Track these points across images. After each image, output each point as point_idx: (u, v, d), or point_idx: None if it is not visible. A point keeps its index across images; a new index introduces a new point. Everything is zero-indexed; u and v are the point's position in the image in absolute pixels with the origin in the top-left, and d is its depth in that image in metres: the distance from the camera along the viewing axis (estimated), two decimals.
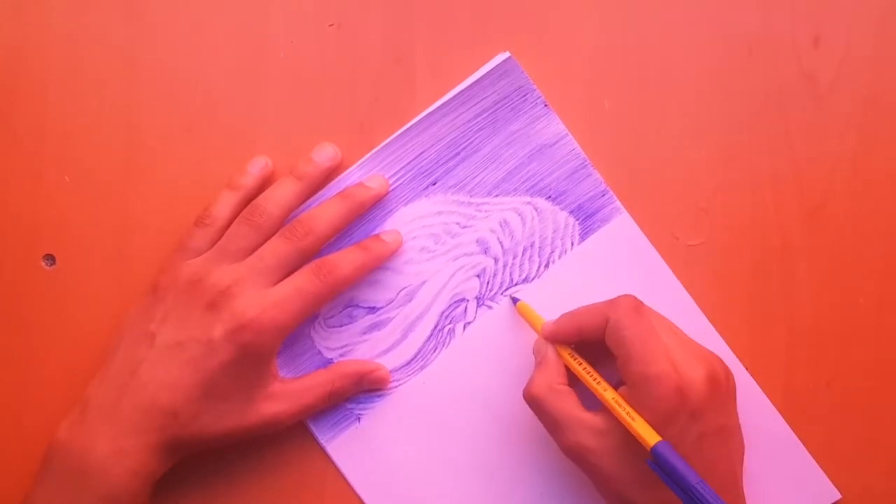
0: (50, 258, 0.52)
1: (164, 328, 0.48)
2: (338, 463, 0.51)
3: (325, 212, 0.49)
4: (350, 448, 0.51)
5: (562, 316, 0.49)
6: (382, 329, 0.51)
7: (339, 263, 0.49)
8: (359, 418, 0.51)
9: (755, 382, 0.50)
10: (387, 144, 0.51)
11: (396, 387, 0.51)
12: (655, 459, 0.42)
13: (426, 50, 0.51)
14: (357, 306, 0.51)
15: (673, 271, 0.51)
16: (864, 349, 0.50)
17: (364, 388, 0.51)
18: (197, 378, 0.47)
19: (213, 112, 0.51)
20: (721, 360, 0.47)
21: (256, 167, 0.51)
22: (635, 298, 0.47)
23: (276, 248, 0.48)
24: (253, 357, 0.47)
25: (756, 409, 0.50)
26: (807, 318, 0.51)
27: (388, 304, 0.51)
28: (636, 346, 0.44)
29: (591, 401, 0.46)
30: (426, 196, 0.51)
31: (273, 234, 0.49)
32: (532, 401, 0.47)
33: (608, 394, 0.45)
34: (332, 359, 0.51)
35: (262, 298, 0.47)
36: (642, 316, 0.46)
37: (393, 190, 0.51)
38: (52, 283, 0.52)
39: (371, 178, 0.51)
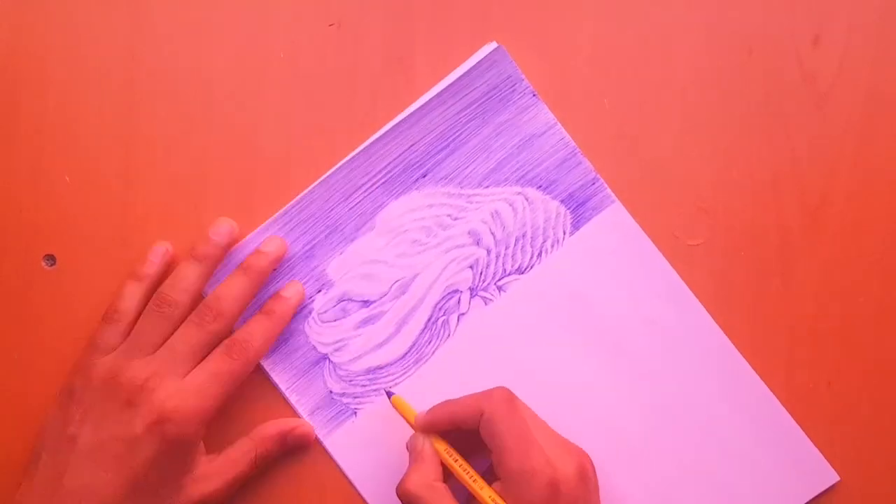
0: (50, 258, 0.52)
1: (84, 430, 0.47)
2: (335, 457, 0.51)
3: (229, 291, 0.49)
4: (348, 442, 0.51)
5: (435, 406, 0.49)
6: (376, 322, 0.51)
7: (249, 338, 0.49)
8: (355, 412, 0.51)
9: (753, 370, 0.50)
10: (377, 139, 0.51)
11: (397, 384, 0.51)
12: None
13: (426, 49, 0.51)
14: (350, 300, 0.51)
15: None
16: (865, 349, 0.50)
17: (289, 447, 0.51)
18: (123, 477, 0.46)
19: (213, 112, 0.51)
20: (586, 454, 0.47)
21: (158, 255, 0.51)
22: (509, 391, 0.47)
23: (188, 336, 0.48)
24: (178, 448, 0.47)
25: (755, 396, 0.50)
26: (807, 319, 0.51)
27: (381, 298, 0.51)
28: (511, 440, 0.45)
29: (465, 494, 0.47)
30: (417, 189, 0.51)
31: (183, 320, 0.49)
32: (408, 498, 0.47)
33: (485, 492, 0.46)
34: (326, 354, 0.51)
35: (180, 388, 0.47)
36: (516, 410, 0.46)
37: (384, 183, 0.51)
38: (52, 283, 0.52)
39: (267, 241, 0.51)
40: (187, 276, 0.49)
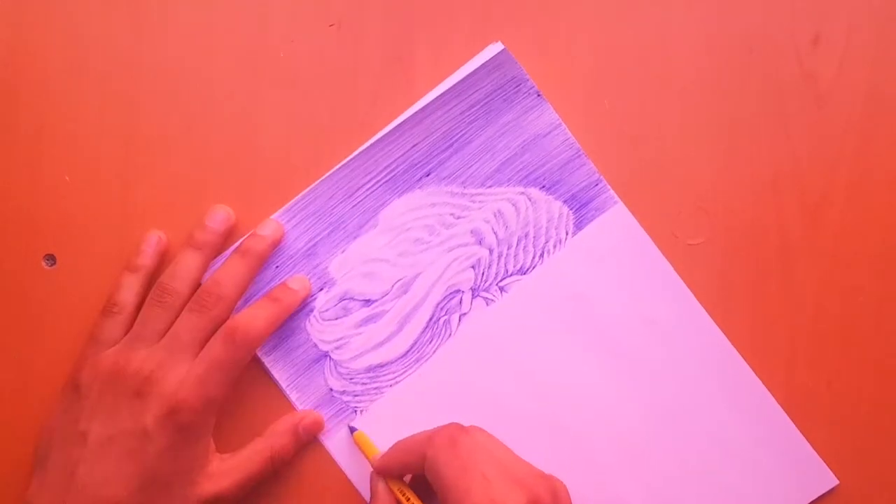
0: (50, 258, 0.52)
1: (94, 425, 0.47)
2: (335, 457, 0.51)
3: (228, 275, 0.49)
4: (348, 442, 0.51)
5: (388, 451, 0.49)
6: (378, 321, 0.52)
7: (251, 321, 0.48)
8: (355, 411, 0.51)
9: (753, 373, 0.50)
10: (380, 138, 0.51)
11: (397, 382, 0.51)
12: None
13: (426, 49, 0.51)
14: (352, 299, 0.51)
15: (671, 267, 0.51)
16: (865, 348, 0.50)
17: (302, 441, 0.51)
18: (136, 469, 0.46)
19: (213, 112, 0.51)
20: (550, 481, 0.46)
21: (151, 245, 0.51)
22: (453, 430, 0.46)
23: (190, 323, 0.48)
24: (188, 437, 0.47)
25: (755, 399, 0.50)
26: (807, 318, 0.51)
27: (382, 297, 0.51)
28: (451, 481, 0.44)
29: None
30: (420, 188, 0.51)
31: (183, 308, 0.49)
32: None
33: None
34: (327, 352, 0.52)
35: (187, 377, 0.47)
36: (458, 449, 0.45)
37: (386, 181, 0.51)
38: (52, 282, 0.52)
39: (263, 225, 0.50)
40: (187, 265, 0.50)
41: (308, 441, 0.51)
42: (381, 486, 0.49)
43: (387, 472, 0.49)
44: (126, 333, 0.50)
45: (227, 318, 0.49)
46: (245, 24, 0.51)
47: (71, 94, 0.52)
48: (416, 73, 0.51)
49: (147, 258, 0.51)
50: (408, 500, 0.48)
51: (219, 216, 0.50)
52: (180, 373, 0.47)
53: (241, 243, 0.50)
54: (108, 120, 0.52)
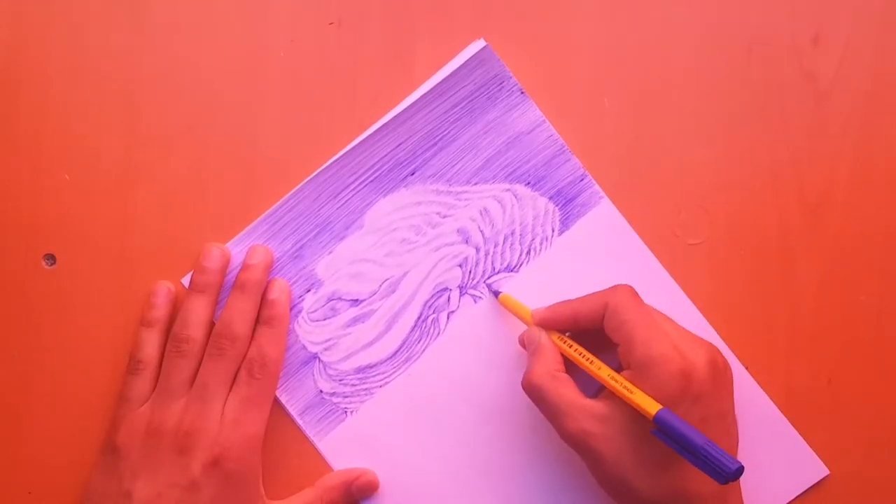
0: (50, 258, 0.52)
1: (139, 484, 0.47)
2: (329, 460, 0.51)
3: (235, 313, 0.49)
4: (341, 444, 0.51)
5: (554, 304, 0.49)
6: (366, 321, 0.52)
7: (264, 352, 0.49)
8: (346, 412, 0.51)
9: (743, 367, 0.50)
10: (365, 138, 0.51)
11: (387, 382, 0.51)
12: (659, 426, 0.42)
13: (426, 48, 0.51)
14: (340, 299, 0.51)
15: (673, 269, 0.51)
16: (865, 347, 0.50)
17: (354, 497, 0.51)
18: None
19: (213, 111, 0.51)
20: (717, 349, 0.47)
21: (161, 296, 0.51)
22: (632, 287, 0.47)
23: (213, 369, 0.49)
24: (239, 482, 0.48)
25: (746, 391, 0.50)
26: (807, 317, 0.51)
27: (370, 296, 0.51)
28: (639, 329, 0.44)
29: (588, 390, 0.46)
30: (405, 187, 0.51)
31: (202, 352, 0.49)
32: (532, 390, 0.46)
33: (603, 372, 0.45)
34: (316, 353, 0.52)
35: (224, 423, 0.48)
36: (641, 302, 0.46)
37: (372, 181, 0.51)
38: (52, 282, 0.52)
39: (252, 254, 0.50)
40: (196, 311, 0.50)
41: (359, 500, 0.51)
42: (542, 336, 0.48)
43: (552, 323, 0.48)
44: (153, 387, 0.50)
45: (246, 352, 0.49)
46: (245, 24, 0.51)
47: (71, 94, 0.52)
48: (416, 71, 0.51)
49: (160, 310, 0.51)
50: (571, 347, 0.47)
51: (214, 255, 0.50)
52: (216, 420, 0.48)
53: (237, 278, 0.50)
54: (108, 120, 0.52)
